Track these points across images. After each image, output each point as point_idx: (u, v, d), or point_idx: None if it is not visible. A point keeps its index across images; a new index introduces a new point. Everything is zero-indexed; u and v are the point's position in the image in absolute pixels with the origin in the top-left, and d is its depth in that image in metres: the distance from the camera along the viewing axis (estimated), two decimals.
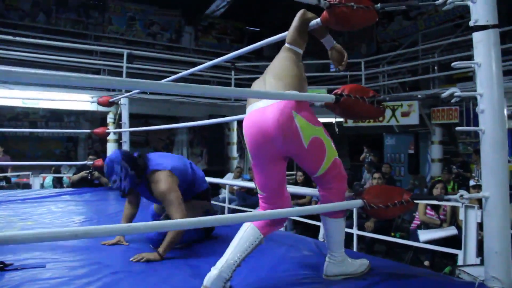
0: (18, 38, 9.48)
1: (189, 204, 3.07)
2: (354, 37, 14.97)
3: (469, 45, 8.92)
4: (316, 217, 5.15)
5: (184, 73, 4.12)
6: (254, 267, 2.40)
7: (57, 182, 8.57)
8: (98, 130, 6.40)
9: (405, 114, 9.15)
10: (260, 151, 2.10)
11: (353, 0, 2.24)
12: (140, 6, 14.26)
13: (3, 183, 8.45)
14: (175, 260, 2.65)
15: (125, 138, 6.08)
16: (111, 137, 8.69)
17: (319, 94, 2.06)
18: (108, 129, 7.01)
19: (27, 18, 12.78)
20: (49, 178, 8.53)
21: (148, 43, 14.30)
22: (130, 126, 6.18)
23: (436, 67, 9.67)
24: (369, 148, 10.30)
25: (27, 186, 8.35)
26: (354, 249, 4.73)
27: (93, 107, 9.09)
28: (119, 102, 6.30)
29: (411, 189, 8.29)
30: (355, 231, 4.88)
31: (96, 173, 6.34)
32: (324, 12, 2.33)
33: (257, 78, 2.35)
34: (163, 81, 4.80)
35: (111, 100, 6.22)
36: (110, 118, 9.23)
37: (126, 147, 6.01)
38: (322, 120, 2.21)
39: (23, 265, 2.46)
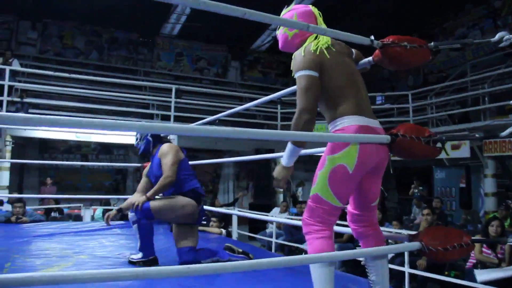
0: (73, 75, 9.98)
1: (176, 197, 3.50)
2: (400, 69, 14.80)
3: None
4: None
5: (236, 109, 4.19)
6: None
7: None
8: (148, 164, 6.54)
9: (455, 147, 8.91)
10: (372, 168, 2.13)
11: (406, 39, 2.24)
12: (188, 43, 14.69)
13: (56, 214, 8.74)
14: None
15: None
16: None
17: (375, 136, 2.05)
18: None
19: (81, 56, 13.43)
20: (99, 210, 8.76)
21: (195, 78, 14.65)
22: None
23: (486, 98, 9.39)
24: (418, 181, 10.04)
25: (79, 217, 8.59)
26: None
27: None
28: (168, 137, 6.44)
29: (463, 225, 8.00)
30: (406, 269, 4.72)
31: None
32: (377, 52, 2.34)
33: None
34: (209, 118, 4.90)
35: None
36: None
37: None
38: None
39: None
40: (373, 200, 2.18)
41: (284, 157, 2.13)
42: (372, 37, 2.24)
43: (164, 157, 3.53)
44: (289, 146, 2.08)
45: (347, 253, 1.96)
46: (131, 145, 12.27)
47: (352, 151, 2.03)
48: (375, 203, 2.20)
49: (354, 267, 6.02)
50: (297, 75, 2.15)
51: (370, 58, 2.44)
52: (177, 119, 9.75)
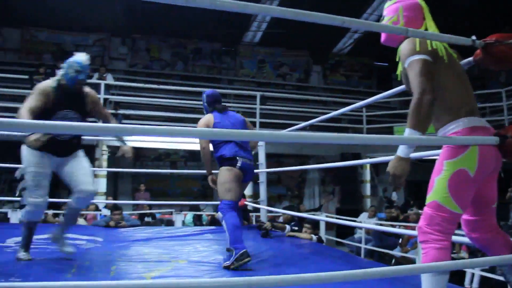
0: (161, 86, 10.43)
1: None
2: (505, 69, 13.88)
3: None
4: None
5: (328, 115, 4.17)
6: None
7: (197, 219, 9.05)
8: None
9: None
10: (490, 171, 2.04)
11: (510, 36, 2.12)
12: (269, 49, 14.83)
13: (149, 219, 9.15)
14: None
15: (262, 178, 6.25)
16: None
17: (481, 137, 1.95)
18: None
19: (167, 67, 14.04)
20: (189, 216, 9.05)
21: (277, 84, 14.74)
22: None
23: None
24: None
25: (170, 222, 8.94)
26: None
27: None
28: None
29: None
30: None
31: None
32: (478, 52, 2.23)
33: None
34: (301, 125, 4.92)
35: None
36: None
37: (263, 187, 6.20)
38: None
39: None
40: (493, 202, 2.08)
41: (402, 146, 1.97)
42: (474, 37, 2.14)
43: None
44: (408, 132, 1.93)
45: (465, 263, 1.88)
46: None
47: (472, 154, 1.94)
48: (495, 205, 2.09)
49: (451, 274, 5.71)
50: (409, 60, 2.03)
51: (470, 58, 2.34)
52: (262, 125, 9.85)
